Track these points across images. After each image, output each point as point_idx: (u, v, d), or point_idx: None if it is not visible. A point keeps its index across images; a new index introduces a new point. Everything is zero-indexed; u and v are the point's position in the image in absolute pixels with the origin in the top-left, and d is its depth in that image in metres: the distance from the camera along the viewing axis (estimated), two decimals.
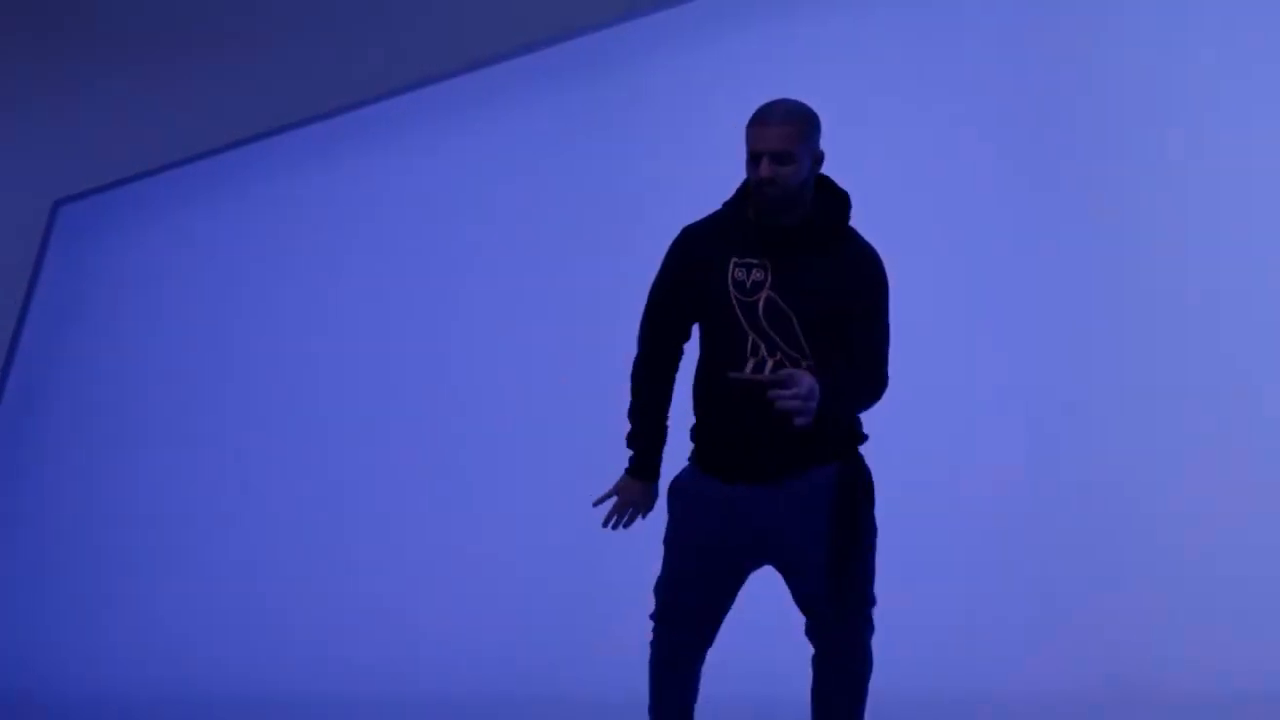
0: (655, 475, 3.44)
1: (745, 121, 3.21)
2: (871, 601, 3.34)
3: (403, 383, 5.22)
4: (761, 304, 3.22)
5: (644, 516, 3.44)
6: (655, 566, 3.42)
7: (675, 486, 3.42)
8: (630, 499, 3.41)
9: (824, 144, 3.23)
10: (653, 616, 3.43)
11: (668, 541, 3.41)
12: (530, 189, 5.20)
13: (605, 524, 3.42)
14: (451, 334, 5.25)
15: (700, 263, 3.29)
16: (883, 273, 3.32)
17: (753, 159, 3.21)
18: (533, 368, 5.19)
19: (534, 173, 5.20)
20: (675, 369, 3.43)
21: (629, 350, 3.44)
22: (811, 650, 3.36)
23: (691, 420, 3.40)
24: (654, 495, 3.44)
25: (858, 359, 3.28)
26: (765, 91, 3.31)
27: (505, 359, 5.20)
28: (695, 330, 3.41)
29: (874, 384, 3.31)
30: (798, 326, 3.23)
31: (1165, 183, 4.93)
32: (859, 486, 3.31)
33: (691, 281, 3.31)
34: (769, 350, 3.23)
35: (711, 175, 3.52)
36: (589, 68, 5.15)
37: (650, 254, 3.40)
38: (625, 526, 3.43)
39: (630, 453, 3.43)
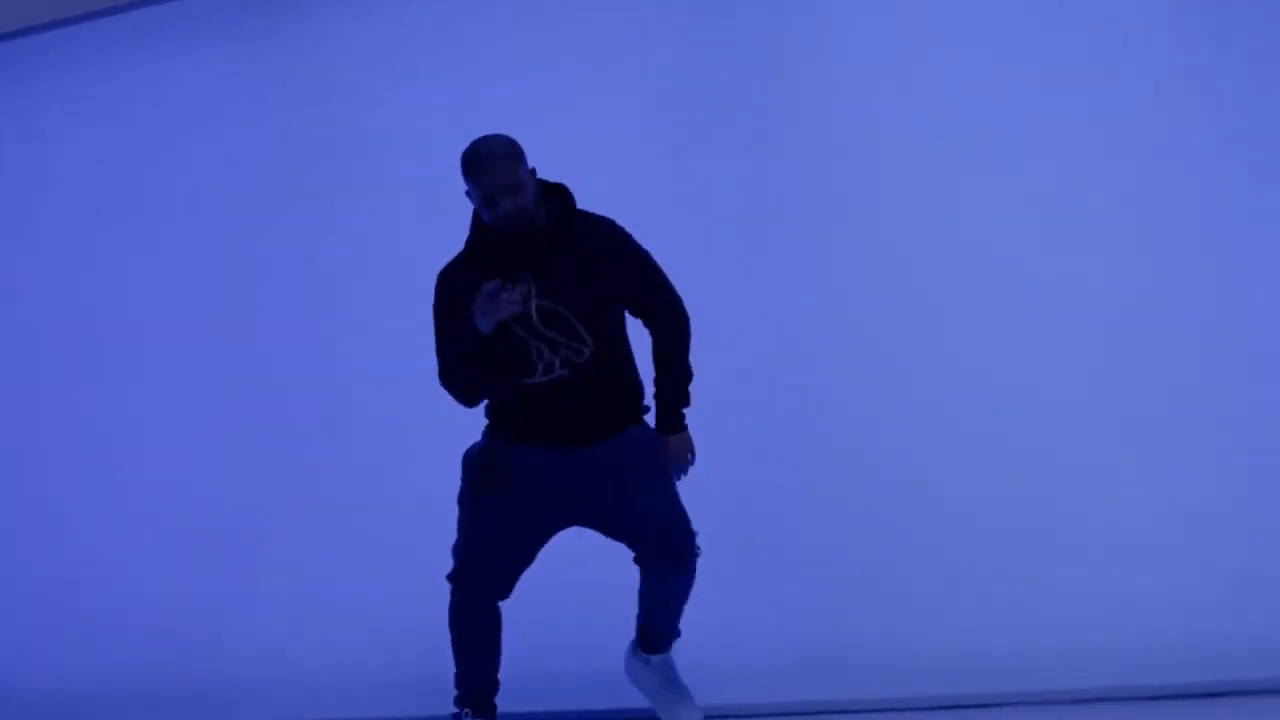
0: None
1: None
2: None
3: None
4: (535, 313, 3.49)
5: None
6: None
7: (479, 453, 3.66)
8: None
9: None
10: (453, 577, 3.69)
11: (471, 503, 3.65)
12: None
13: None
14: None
15: (465, 297, 3.48)
16: (624, 232, 3.59)
17: (489, 201, 3.44)
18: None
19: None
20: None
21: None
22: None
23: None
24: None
25: (655, 316, 3.64)
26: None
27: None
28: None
29: (682, 326, 3.67)
30: (575, 320, 3.50)
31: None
32: (654, 439, 3.69)
33: (466, 316, 3.48)
34: (551, 351, 3.51)
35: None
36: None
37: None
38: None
39: (467, 338, 3.50)
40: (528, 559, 3.72)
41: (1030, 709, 4.42)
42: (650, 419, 3.74)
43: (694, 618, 4.05)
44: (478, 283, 3.46)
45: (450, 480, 4.88)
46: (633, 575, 3.90)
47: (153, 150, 5.66)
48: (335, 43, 5.51)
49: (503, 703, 3.94)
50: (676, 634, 3.94)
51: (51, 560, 5.50)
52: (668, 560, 3.67)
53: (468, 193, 3.51)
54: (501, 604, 3.76)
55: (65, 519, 5.56)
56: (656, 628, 3.88)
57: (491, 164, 3.45)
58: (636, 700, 4.17)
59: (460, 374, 3.54)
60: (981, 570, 4.64)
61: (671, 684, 3.93)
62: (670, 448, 3.72)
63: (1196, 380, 4.62)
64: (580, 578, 4.16)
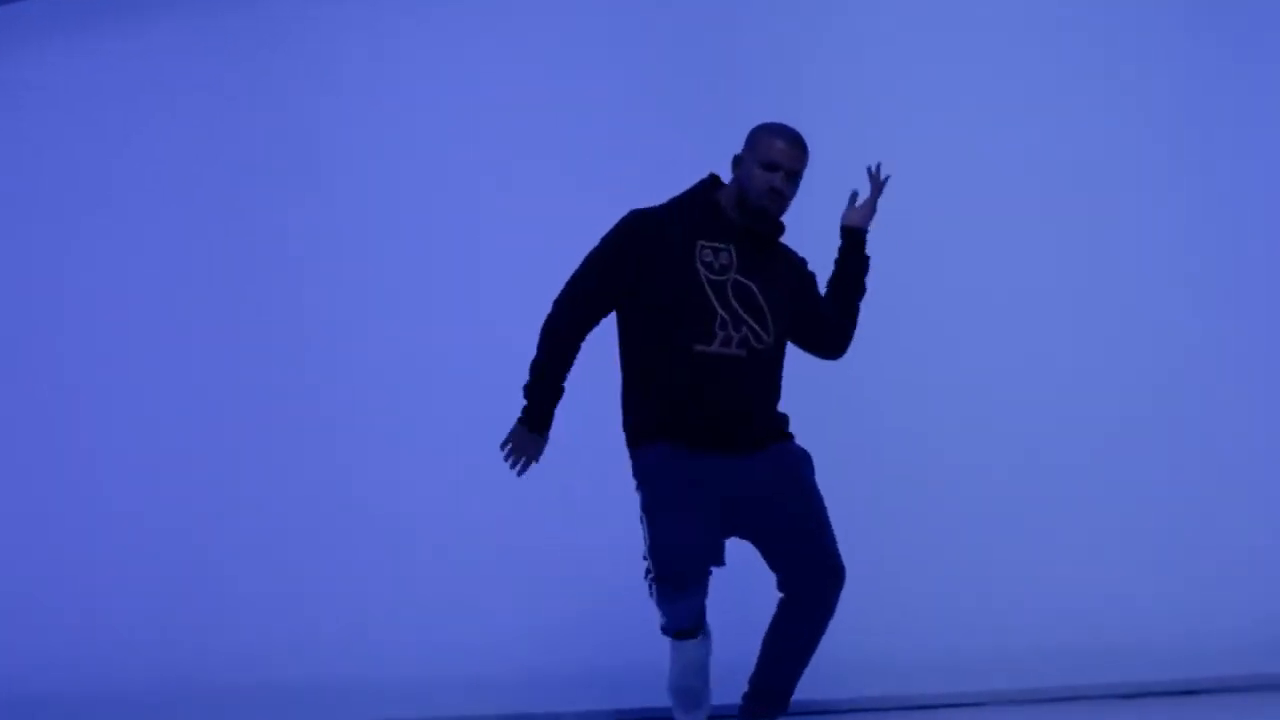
0: (549, 427, 3.60)
1: None
2: None
3: None
4: (730, 285, 3.49)
5: (527, 466, 3.60)
6: None
7: (656, 456, 3.50)
8: (525, 447, 3.58)
9: None
10: (660, 579, 3.39)
11: (662, 505, 3.44)
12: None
13: (509, 463, 3.57)
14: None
15: (660, 242, 3.52)
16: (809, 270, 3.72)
17: (771, 168, 3.53)
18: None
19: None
20: (585, 338, 3.64)
21: None
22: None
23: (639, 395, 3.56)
24: (540, 447, 3.61)
25: (825, 320, 3.72)
26: None
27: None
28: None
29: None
30: (765, 308, 3.52)
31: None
32: (808, 458, 3.61)
33: (650, 258, 3.51)
34: (734, 326, 3.50)
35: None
36: None
37: None
38: (521, 473, 3.60)
39: (529, 404, 3.58)
40: (717, 560, 3.47)
41: (1011, 708, 4.52)
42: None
43: None
44: (676, 237, 3.51)
45: (428, 479, 5.01)
46: None
47: (106, 138, 5.61)
48: (299, 24, 5.47)
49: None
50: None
51: (22, 561, 5.43)
52: (826, 580, 3.50)
53: (737, 158, 3.60)
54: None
55: (34, 518, 5.49)
56: (781, 683, 3.64)
57: (795, 141, 3.56)
58: None
59: (540, 360, 3.59)
60: (962, 569, 4.71)
61: None
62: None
63: (1175, 382, 4.73)
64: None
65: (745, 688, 3.64)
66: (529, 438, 3.57)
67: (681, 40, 5.13)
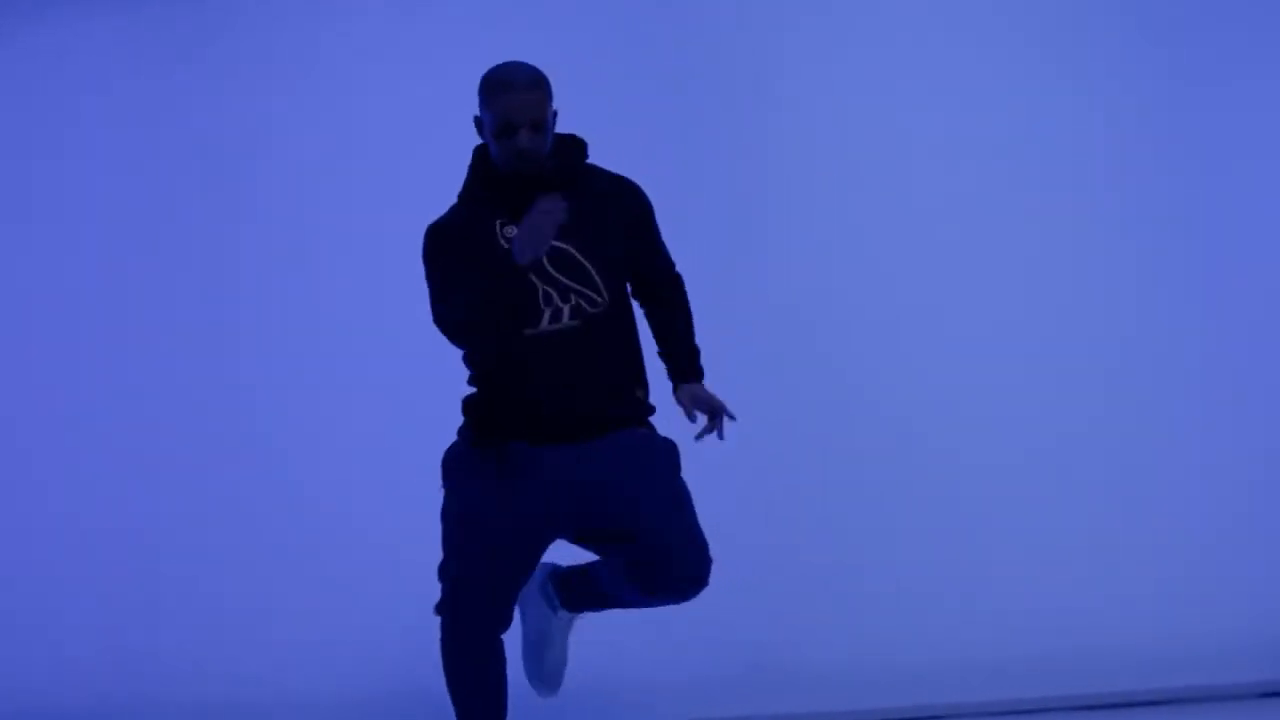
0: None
1: None
2: None
3: None
4: (545, 254, 3.12)
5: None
6: None
7: (461, 456, 3.20)
8: (538, 219, 2.99)
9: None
10: (442, 606, 3.12)
11: (460, 517, 3.14)
12: None
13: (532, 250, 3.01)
14: None
15: (460, 244, 3.18)
16: (639, 187, 3.31)
17: (507, 131, 3.11)
18: None
19: None
20: None
21: None
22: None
23: (467, 394, 3.25)
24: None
25: (657, 278, 3.35)
26: None
27: None
28: None
29: (685, 296, 3.40)
30: (590, 266, 3.17)
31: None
32: (672, 447, 3.24)
33: (464, 263, 3.16)
34: (561, 297, 3.15)
35: None
36: None
37: None
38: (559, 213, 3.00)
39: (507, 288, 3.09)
40: (526, 576, 3.23)
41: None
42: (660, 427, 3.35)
43: (647, 631, 3.93)
44: (477, 231, 3.17)
45: (392, 483, 4.74)
46: None
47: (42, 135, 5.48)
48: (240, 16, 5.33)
49: None
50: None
51: None
52: (680, 586, 3.18)
53: (478, 120, 3.21)
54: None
55: None
56: (599, 603, 3.39)
57: (518, 91, 3.09)
58: None
59: (482, 317, 3.12)
60: (934, 576, 4.58)
61: (554, 646, 3.48)
62: (699, 395, 3.29)
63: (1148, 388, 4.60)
64: None
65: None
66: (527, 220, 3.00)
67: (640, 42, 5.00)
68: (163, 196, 5.28)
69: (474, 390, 3.26)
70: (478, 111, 3.18)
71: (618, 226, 3.25)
